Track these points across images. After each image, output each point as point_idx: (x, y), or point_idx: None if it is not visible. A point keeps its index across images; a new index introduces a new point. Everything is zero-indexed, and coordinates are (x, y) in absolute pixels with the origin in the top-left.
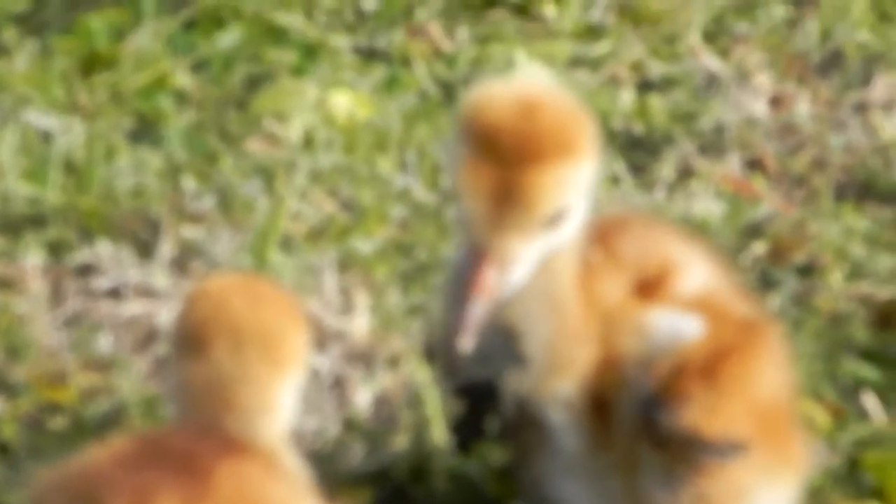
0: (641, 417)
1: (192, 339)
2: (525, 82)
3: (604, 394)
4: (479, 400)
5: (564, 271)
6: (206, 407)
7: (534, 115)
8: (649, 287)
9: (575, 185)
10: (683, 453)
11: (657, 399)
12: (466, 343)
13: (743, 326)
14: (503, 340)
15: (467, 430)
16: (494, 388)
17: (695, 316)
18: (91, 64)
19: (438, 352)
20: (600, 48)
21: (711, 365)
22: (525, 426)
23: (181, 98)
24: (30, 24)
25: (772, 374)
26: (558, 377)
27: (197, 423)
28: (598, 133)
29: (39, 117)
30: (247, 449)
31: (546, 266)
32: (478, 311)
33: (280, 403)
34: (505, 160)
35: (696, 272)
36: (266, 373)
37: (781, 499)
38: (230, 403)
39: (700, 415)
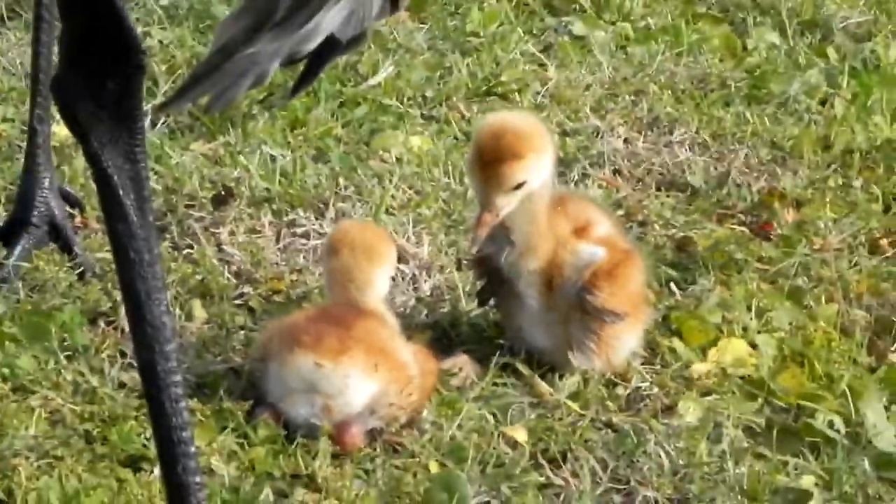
0: (576, 298)
1: (331, 248)
2: (508, 117)
3: (552, 280)
4: (490, 276)
5: (538, 205)
6: (338, 286)
7: (499, 138)
8: (580, 231)
9: (526, 169)
10: (596, 316)
11: (585, 288)
12: (474, 247)
13: (625, 251)
14: (504, 231)
15: (482, 296)
16: (497, 266)
17: (602, 247)
18: (294, 124)
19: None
20: (542, 115)
21: (611, 271)
22: (510, 297)
23: (338, 140)
24: (266, 102)
25: (639, 276)
26: (528, 257)
27: (343, 301)
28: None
29: (270, 149)
30: (370, 313)
31: (529, 201)
32: (481, 235)
33: (377, 283)
34: (486, 163)
35: (603, 224)
36: (367, 265)
37: (636, 337)
38: (350, 282)
39: (606, 298)
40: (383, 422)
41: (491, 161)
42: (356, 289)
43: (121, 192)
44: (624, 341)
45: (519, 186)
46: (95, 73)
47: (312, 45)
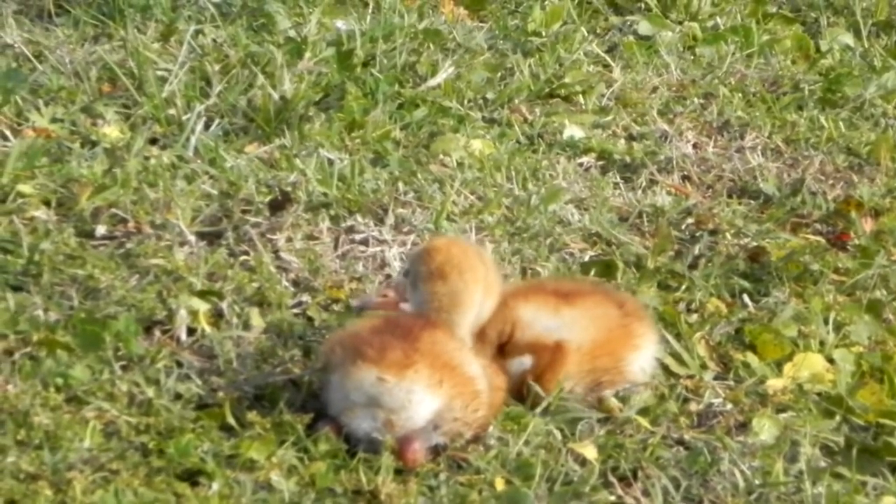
0: None
1: (433, 272)
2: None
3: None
4: None
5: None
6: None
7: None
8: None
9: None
10: None
11: None
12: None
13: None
14: None
15: None
16: None
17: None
18: (351, 126)
19: None
20: (607, 119)
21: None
22: None
23: (397, 143)
24: (322, 104)
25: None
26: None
27: (417, 312)
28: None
29: (327, 153)
30: (437, 324)
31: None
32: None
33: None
34: None
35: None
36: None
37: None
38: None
39: None
40: (447, 438)
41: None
42: (460, 314)
43: None
44: None
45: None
46: None
47: None
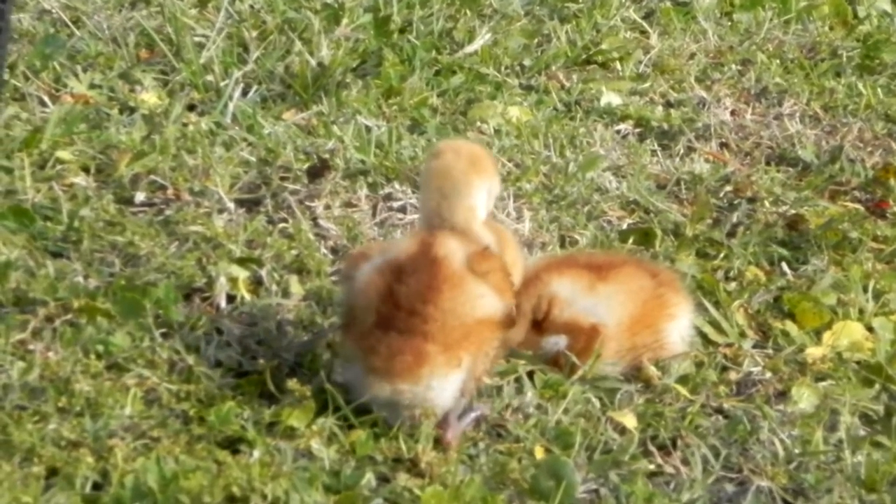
0: None
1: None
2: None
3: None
4: None
5: None
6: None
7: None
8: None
9: None
10: None
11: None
12: None
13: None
14: None
15: None
16: None
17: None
18: (388, 93)
19: None
20: (644, 86)
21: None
22: None
23: (434, 110)
24: (360, 70)
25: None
26: None
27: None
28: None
29: (365, 119)
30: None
31: None
32: None
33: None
34: None
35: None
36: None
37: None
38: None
39: None
40: (472, 393)
41: None
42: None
43: None
44: None
45: None
46: None
47: None
